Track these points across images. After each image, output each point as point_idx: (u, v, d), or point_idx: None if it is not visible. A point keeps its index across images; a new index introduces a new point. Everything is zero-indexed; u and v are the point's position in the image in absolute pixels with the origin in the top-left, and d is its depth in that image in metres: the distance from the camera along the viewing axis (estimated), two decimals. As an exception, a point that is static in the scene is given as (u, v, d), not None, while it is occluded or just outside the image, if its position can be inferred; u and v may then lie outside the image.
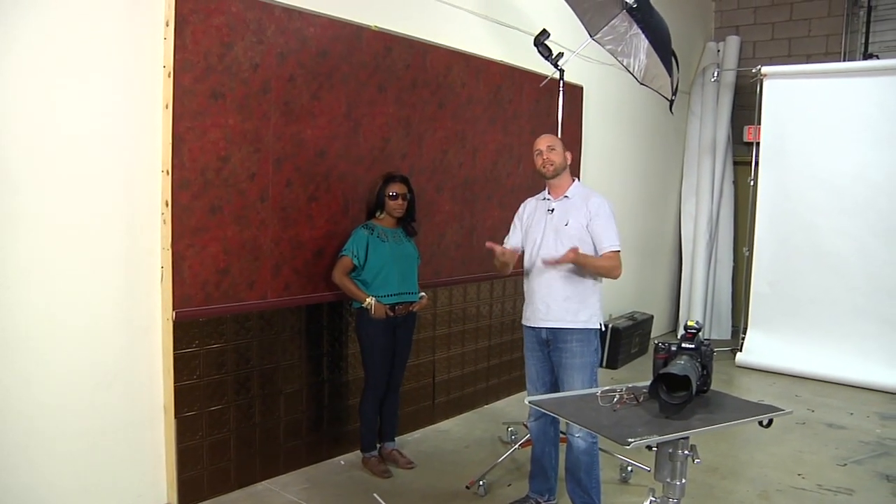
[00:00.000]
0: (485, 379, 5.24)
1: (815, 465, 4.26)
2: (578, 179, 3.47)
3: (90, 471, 3.08)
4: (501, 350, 5.37)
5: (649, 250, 7.64)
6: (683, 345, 2.27)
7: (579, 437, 3.23)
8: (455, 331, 4.93)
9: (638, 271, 7.22)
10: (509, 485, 3.84)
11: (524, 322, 3.44)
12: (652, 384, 2.11)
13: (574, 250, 3.11)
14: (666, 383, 2.10)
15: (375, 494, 3.60)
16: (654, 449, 2.11)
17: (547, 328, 3.30)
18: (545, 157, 3.34)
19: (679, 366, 2.12)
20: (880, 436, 4.84)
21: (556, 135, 3.46)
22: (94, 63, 2.97)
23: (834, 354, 6.25)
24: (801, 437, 4.76)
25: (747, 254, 6.94)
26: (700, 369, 2.22)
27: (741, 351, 6.81)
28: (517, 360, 5.50)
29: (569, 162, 3.38)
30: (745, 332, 6.93)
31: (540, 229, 3.37)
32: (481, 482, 3.72)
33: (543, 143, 3.37)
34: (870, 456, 4.43)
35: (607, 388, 2.37)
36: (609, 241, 3.24)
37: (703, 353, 2.26)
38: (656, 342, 2.37)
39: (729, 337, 7.86)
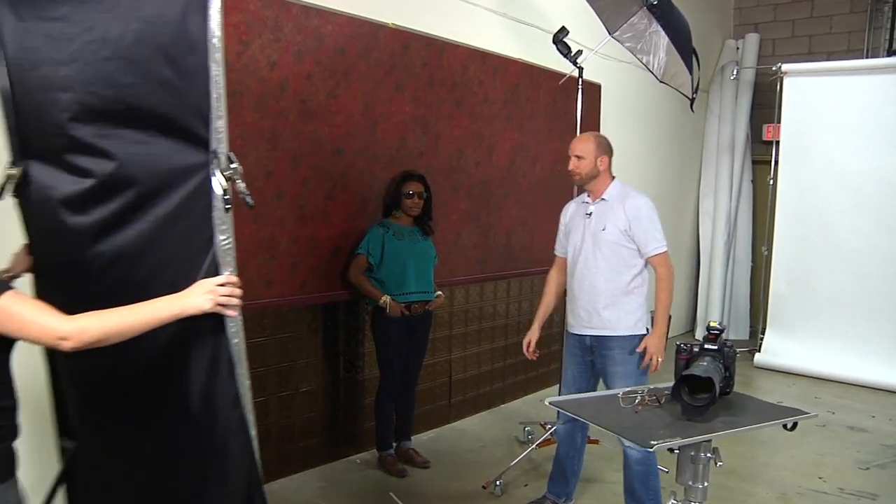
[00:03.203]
0: (501, 378, 5.22)
1: (837, 468, 4.21)
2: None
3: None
4: (518, 349, 5.28)
5: (667, 249, 7.58)
6: (706, 346, 2.24)
7: (630, 446, 3.08)
8: (471, 330, 4.91)
9: (655, 271, 7.15)
10: (526, 485, 3.81)
11: (567, 328, 3.39)
12: (674, 386, 2.08)
13: (652, 351, 3.14)
14: (688, 385, 2.07)
15: (391, 493, 3.59)
16: (677, 451, 2.08)
17: (590, 335, 3.26)
18: (573, 166, 3.26)
19: (702, 367, 2.09)
20: (903, 439, 4.77)
21: (590, 136, 3.33)
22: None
23: (854, 355, 6.17)
24: (822, 439, 4.70)
25: (766, 253, 6.87)
26: (723, 371, 2.19)
27: (759, 352, 6.75)
28: (533, 359, 5.47)
29: (602, 168, 3.24)
30: (763, 333, 6.87)
31: (579, 234, 3.29)
32: (498, 482, 3.71)
33: (573, 149, 3.28)
34: (893, 460, 4.36)
35: (629, 389, 2.34)
36: (654, 245, 3.16)
37: (726, 355, 2.23)
38: (678, 343, 2.34)
39: (747, 337, 7.79)
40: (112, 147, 1.80)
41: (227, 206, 1.79)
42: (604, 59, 5.44)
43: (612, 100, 6.05)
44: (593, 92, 5.73)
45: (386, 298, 3.70)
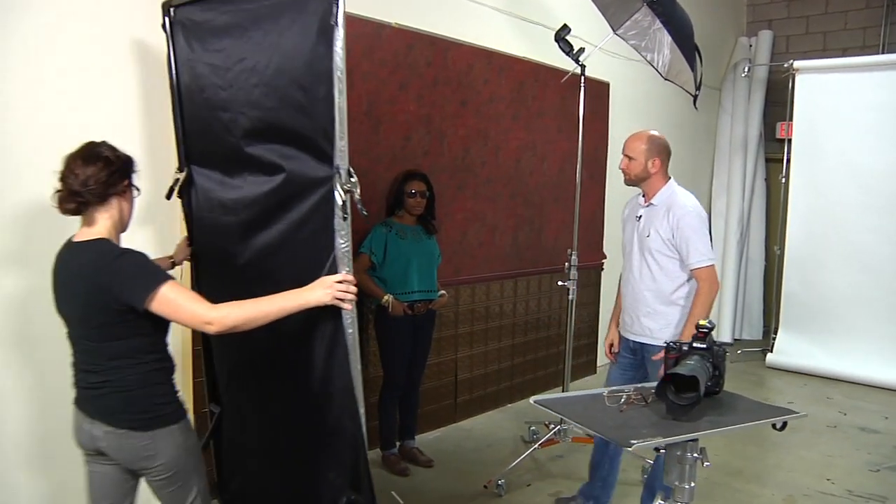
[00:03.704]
0: (508, 378, 5.21)
1: (846, 470, 4.16)
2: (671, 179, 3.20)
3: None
4: (525, 349, 5.33)
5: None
6: (695, 344, 2.22)
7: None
8: (477, 329, 4.91)
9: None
10: (529, 485, 3.81)
11: (619, 329, 3.35)
12: (659, 384, 2.06)
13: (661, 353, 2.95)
14: (675, 384, 2.05)
15: (393, 492, 3.59)
16: (663, 451, 2.07)
17: (633, 340, 3.22)
18: (623, 166, 3.17)
19: (688, 366, 2.07)
20: (915, 441, 4.70)
21: (643, 135, 3.16)
22: (119, 63, 2.99)
23: (867, 356, 6.08)
24: (832, 440, 4.64)
25: (779, 252, 6.80)
26: (711, 370, 2.17)
27: (772, 351, 6.67)
28: (540, 358, 5.46)
29: (653, 171, 3.09)
30: (776, 333, 6.79)
31: (628, 236, 3.24)
32: (499, 482, 3.70)
33: (624, 148, 3.17)
34: (904, 461, 4.31)
35: (615, 388, 2.33)
36: (695, 258, 2.97)
37: (716, 354, 2.20)
38: (667, 342, 2.32)
39: (760, 337, 7.72)
40: (277, 160, 2.15)
41: (345, 216, 2.04)
42: (612, 57, 5.41)
43: (621, 98, 6.02)
44: (602, 90, 5.71)
45: (388, 297, 3.71)
